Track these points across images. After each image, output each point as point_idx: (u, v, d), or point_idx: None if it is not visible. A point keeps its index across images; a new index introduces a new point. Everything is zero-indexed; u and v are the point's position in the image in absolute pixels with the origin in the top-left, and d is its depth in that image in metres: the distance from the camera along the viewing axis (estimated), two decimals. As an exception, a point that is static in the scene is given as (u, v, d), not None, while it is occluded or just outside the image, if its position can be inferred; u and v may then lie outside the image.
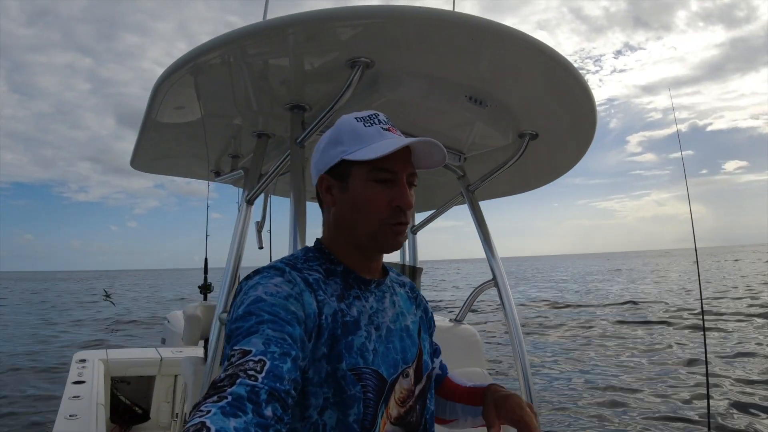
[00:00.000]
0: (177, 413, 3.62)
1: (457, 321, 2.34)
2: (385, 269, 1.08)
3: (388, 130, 0.95)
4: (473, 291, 2.31)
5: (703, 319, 2.20)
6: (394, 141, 0.91)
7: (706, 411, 2.13)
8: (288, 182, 2.48)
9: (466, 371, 1.96)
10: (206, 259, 3.59)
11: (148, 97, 1.89)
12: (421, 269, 2.85)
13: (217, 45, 1.51)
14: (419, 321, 1.09)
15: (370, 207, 0.93)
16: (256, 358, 0.70)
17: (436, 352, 1.21)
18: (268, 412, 0.64)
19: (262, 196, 2.69)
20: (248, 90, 1.83)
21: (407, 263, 2.89)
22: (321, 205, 1.04)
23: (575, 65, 1.64)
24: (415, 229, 2.94)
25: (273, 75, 1.69)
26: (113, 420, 3.59)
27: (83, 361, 3.44)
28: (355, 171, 0.94)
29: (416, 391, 0.99)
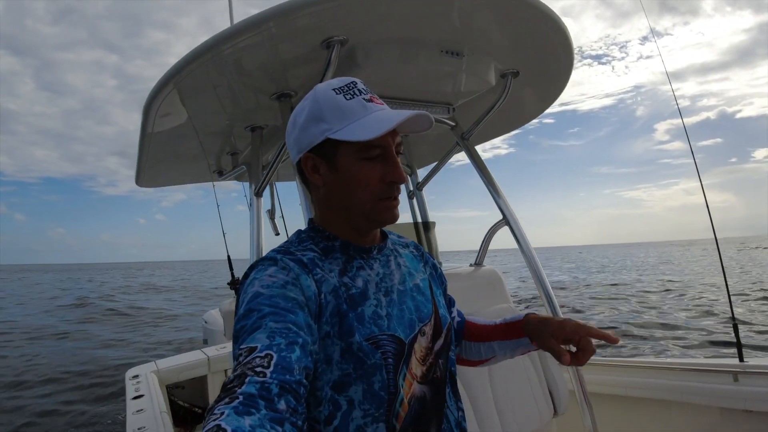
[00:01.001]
0: None
1: (477, 264, 2.43)
2: (384, 233, 1.06)
3: (370, 100, 0.90)
4: (487, 233, 2.39)
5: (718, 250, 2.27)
6: (385, 122, 0.86)
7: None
8: (289, 167, 2.55)
9: (495, 309, 2.07)
10: (228, 256, 3.68)
11: (141, 115, 1.96)
12: (433, 223, 2.93)
13: (197, 55, 1.57)
14: (429, 277, 1.08)
15: (363, 185, 0.90)
16: (263, 354, 0.70)
17: (450, 302, 1.20)
18: (282, 405, 0.64)
19: (267, 185, 2.77)
20: (234, 90, 1.89)
21: (419, 220, 2.97)
22: (307, 184, 0.99)
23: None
24: (420, 185, 3.01)
25: (254, 70, 1.74)
26: (177, 424, 3.76)
27: (136, 377, 3.58)
28: (343, 149, 0.90)
29: (435, 347, 0.98)
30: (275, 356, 0.70)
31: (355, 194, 0.91)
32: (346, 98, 0.89)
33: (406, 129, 0.94)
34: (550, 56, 1.99)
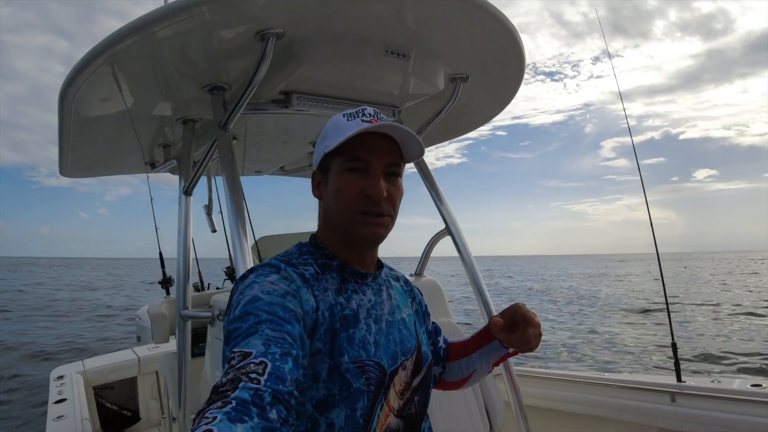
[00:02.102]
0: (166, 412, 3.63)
1: (417, 274, 2.36)
2: (380, 263, 1.07)
3: (369, 122, 0.92)
4: (429, 242, 2.32)
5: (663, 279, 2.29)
6: (354, 126, 0.90)
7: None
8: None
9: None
10: (161, 253, 3.51)
11: (58, 99, 1.77)
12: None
13: (126, 33, 1.43)
14: (414, 314, 1.10)
15: (342, 196, 0.93)
16: (257, 360, 0.69)
17: (437, 330, 1.23)
18: (273, 414, 0.63)
19: (204, 179, 2.62)
20: (165, 75, 1.74)
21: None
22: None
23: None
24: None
25: (186, 57, 1.61)
26: (105, 428, 3.58)
27: (61, 377, 3.38)
28: (333, 163, 0.94)
29: (414, 383, 0.99)
30: (270, 365, 0.69)
31: (337, 205, 0.94)
32: (347, 120, 0.94)
33: (407, 155, 0.97)
34: (502, 63, 1.94)
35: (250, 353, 0.70)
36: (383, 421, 0.91)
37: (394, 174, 0.95)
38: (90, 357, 4.03)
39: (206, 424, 0.57)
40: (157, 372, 3.74)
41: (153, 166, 2.69)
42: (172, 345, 3.38)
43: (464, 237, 2.11)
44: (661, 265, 2.33)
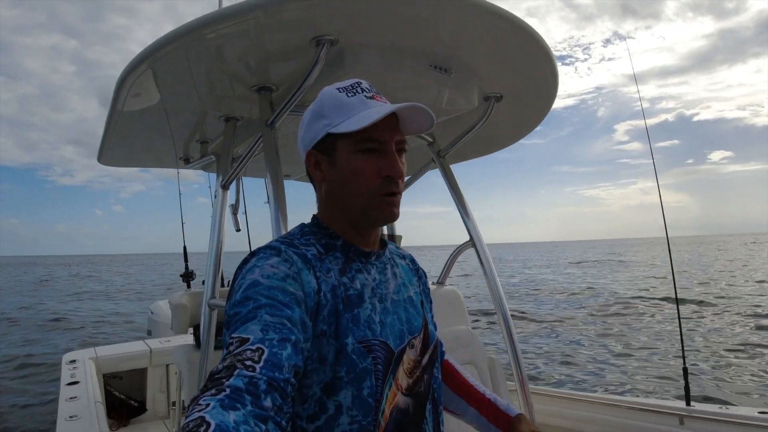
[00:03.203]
0: (174, 401, 3.66)
1: (440, 283, 2.41)
2: (384, 241, 1.06)
3: (372, 98, 0.92)
4: (452, 253, 2.38)
5: (676, 294, 2.33)
6: (378, 109, 0.88)
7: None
8: (258, 162, 2.50)
9: (453, 330, 2.05)
10: (185, 248, 3.57)
11: (113, 91, 1.86)
12: (400, 237, 2.90)
13: (178, 35, 1.50)
14: (421, 292, 1.09)
15: (359, 179, 0.90)
16: (254, 347, 0.68)
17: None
18: (267, 402, 0.63)
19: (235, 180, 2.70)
20: (213, 75, 1.82)
21: (385, 232, 2.95)
22: (312, 181, 1.01)
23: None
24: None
25: (237, 59, 1.69)
26: (111, 416, 3.62)
27: (73, 362, 3.43)
28: (341, 143, 0.91)
29: (423, 362, 0.98)
30: (266, 351, 0.69)
31: (352, 187, 0.92)
32: (348, 96, 0.91)
33: (409, 128, 0.95)
34: (535, 85, 2.01)
35: (248, 339, 0.70)
36: (392, 400, 0.90)
37: (402, 150, 0.95)
38: (102, 345, 4.09)
39: (199, 411, 0.58)
40: (167, 366, 3.79)
41: (187, 161, 2.77)
42: (185, 338, 3.44)
43: (487, 249, 2.16)
44: (673, 260, 2.36)
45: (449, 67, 1.77)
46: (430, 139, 2.34)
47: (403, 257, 1.13)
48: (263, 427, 0.61)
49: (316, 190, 1.02)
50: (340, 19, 1.46)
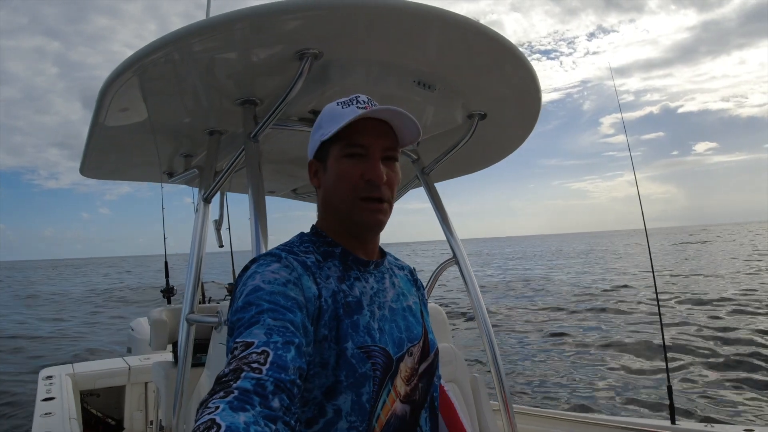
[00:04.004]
0: (152, 420, 3.58)
1: (423, 300, 2.40)
2: (383, 252, 1.08)
3: (365, 107, 0.95)
4: (435, 270, 2.37)
5: (658, 300, 2.34)
6: (350, 113, 0.92)
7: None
8: (242, 178, 2.48)
9: (435, 348, 2.02)
10: (166, 263, 3.53)
11: (95, 102, 1.85)
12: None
13: (162, 45, 1.49)
14: (420, 303, 1.11)
15: (343, 183, 0.94)
16: (259, 350, 0.70)
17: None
18: (276, 403, 0.64)
19: (217, 194, 2.68)
20: (197, 88, 1.82)
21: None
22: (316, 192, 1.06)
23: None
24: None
25: (221, 72, 1.69)
26: None
27: (50, 377, 3.36)
28: (331, 150, 0.96)
29: (420, 369, 0.99)
30: (272, 354, 0.70)
31: (338, 191, 0.96)
32: (342, 107, 0.96)
33: (402, 138, 0.99)
34: (519, 103, 2.03)
35: (252, 343, 0.71)
36: (389, 407, 0.91)
37: (391, 158, 0.97)
38: (80, 362, 4.00)
39: (209, 414, 0.58)
40: (146, 383, 3.71)
41: (171, 175, 2.75)
42: (164, 355, 3.37)
43: (470, 266, 2.16)
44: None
45: (433, 84, 1.79)
46: (415, 156, 2.35)
47: (402, 268, 1.15)
48: (273, 427, 0.61)
49: (317, 199, 1.06)
50: (324, 33, 1.47)
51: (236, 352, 0.70)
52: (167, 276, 3.55)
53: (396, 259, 1.16)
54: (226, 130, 2.15)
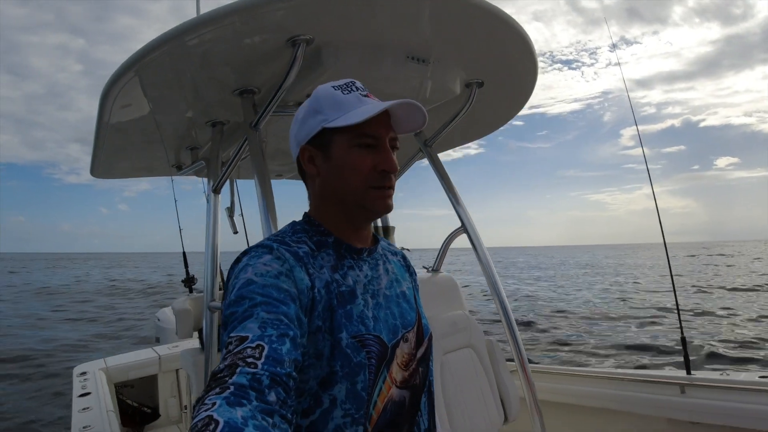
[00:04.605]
0: (185, 405, 3.71)
1: (435, 270, 2.44)
2: (376, 238, 1.08)
3: (366, 96, 0.95)
4: (445, 239, 2.41)
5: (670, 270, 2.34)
6: (375, 105, 0.91)
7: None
8: (249, 164, 2.51)
9: (450, 315, 2.08)
10: (184, 253, 3.60)
11: (98, 104, 1.89)
12: (393, 228, 2.93)
13: (159, 44, 1.53)
14: (414, 288, 1.11)
15: (355, 172, 0.92)
16: (254, 344, 0.70)
17: None
18: (272, 397, 0.65)
19: (227, 182, 2.72)
20: (196, 82, 1.85)
21: (379, 224, 2.97)
22: (304, 178, 1.03)
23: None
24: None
25: (218, 65, 1.71)
26: (125, 424, 3.66)
27: (84, 374, 3.47)
28: (337, 138, 0.93)
29: (418, 355, 0.99)
30: (266, 347, 0.70)
31: (348, 180, 0.93)
32: (343, 93, 0.94)
33: (403, 126, 0.98)
34: (515, 68, 2.02)
35: (247, 337, 0.71)
36: (385, 393, 0.91)
37: (394, 147, 0.97)
38: (111, 355, 4.13)
39: (206, 410, 0.58)
40: (177, 370, 3.83)
41: (179, 168, 2.80)
42: (192, 342, 3.48)
43: (479, 234, 2.19)
44: (672, 264, 2.38)
45: (427, 57, 1.80)
46: (416, 130, 2.37)
47: (395, 254, 1.15)
48: (270, 420, 0.62)
49: (308, 187, 1.03)
50: (312, 19, 1.49)
51: (231, 347, 0.70)
52: (186, 266, 3.62)
53: (389, 244, 1.16)
54: (228, 121, 2.18)
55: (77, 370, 3.68)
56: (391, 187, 0.96)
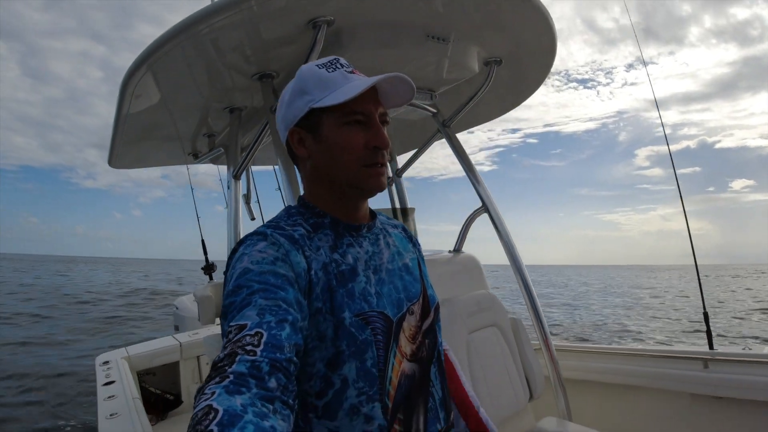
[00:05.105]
0: None
1: (456, 251, 2.44)
2: (373, 213, 1.06)
3: (351, 72, 0.92)
4: (466, 219, 2.40)
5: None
6: (362, 82, 0.89)
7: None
8: (265, 150, 2.51)
9: (473, 294, 2.08)
10: (203, 241, 3.62)
11: (118, 93, 1.89)
12: (413, 209, 2.93)
13: (175, 33, 1.52)
14: (417, 258, 1.10)
15: (347, 151, 0.91)
16: (252, 332, 0.69)
17: None
18: (272, 383, 0.64)
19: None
20: (214, 69, 1.84)
21: (397, 206, 2.97)
22: (295, 161, 1.01)
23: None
24: (400, 171, 3.00)
25: (235, 51, 1.70)
26: (148, 411, 3.71)
27: (106, 363, 3.52)
28: (326, 118, 0.91)
29: (423, 326, 0.99)
30: (265, 334, 0.69)
31: (340, 160, 0.92)
32: (328, 71, 0.91)
33: (389, 101, 0.95)
34: (534, 45, 2.00)
35: (245, 325, 0.70)
36: (398, 368, 0.91)
37: (384, 122, 0.95)
38: (133, 344, 4.19)
39: (205, 400, 0.58)
40: (198, 357, 3.88)
41: (196, 156, 2.81)
42: (212, 329, 3.52)
43: (500, 213, 2.19)
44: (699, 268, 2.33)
45: (447, 36, 1.78)
46: (434, 110, 2.35)
47: (396, 226, 1.13)
48: (270, 407, 0.62)
49: (299, 170, 1.02)
50: (334, 0, 1.47)
51: (230, 336, 0.70)
52: (206, 253, 3.65)
53: (388, 218, 1.14)
54: (245, 106, 2.18)
55: (99, 359, 3.73)
56: (384, 164, 0.94)
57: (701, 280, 2.35)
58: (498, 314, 2.08)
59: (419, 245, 1.17)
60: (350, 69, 0.93)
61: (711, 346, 2.21)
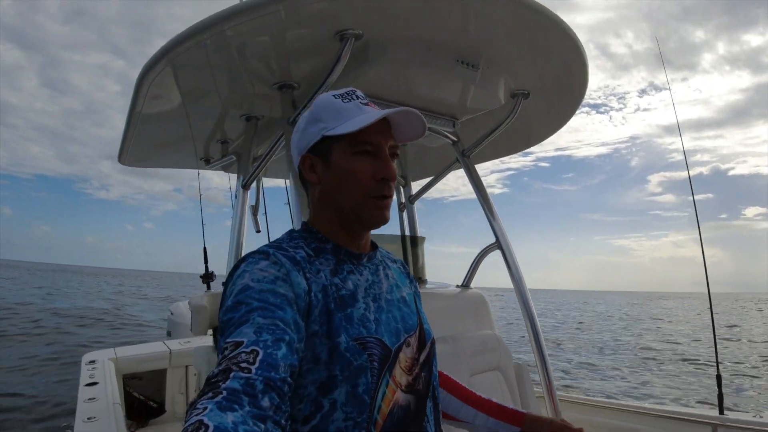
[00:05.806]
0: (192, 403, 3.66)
1: (464, 286, 2.35)
2: (374, 245, 1.08)
3: (366, 104, 0.95)
4: (477, 254, 2.32)
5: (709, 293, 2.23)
6: (375, 113, 0.91)
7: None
8: (278, 163, 2.46)
9: (478, 334, 1.99)
10: (205, 249, 3.57)
11: (133, 89, 1.84)
12: (423, 238, 2.85)
13: (196, 32, 1.47)
14: (414, 294, 1.11)
15: (354, 180, 0.93)
16: (248, 349, 0.69)
17: None
18: (265, 402, 0.64)
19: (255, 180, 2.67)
20: (233, 74, 1.80)
21: (407, 234, 2.89)
22: (305, 186, 1.03)
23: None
24: (413, 198, 2.93)
25: (258, 56, 1.65)
26: (129, 416, 3.61)
27: (93, 362, 3.43)
28: (336, 146, 0.94)
29: (420, 359, 0.99)
30: (261, 352, 0.69)
31: (347, 189, 0.94)
32: (343, 101, 0.95)
33: (401, 135, 0.98)
34: (564, 81, 1.94)
35: (242, 342, 0.70)
36: (390, 398, 0.89)
37: (394, 155, 0.97)
38: (122, 345, 4.10)
39: (197, 415, 0.58)
40: (186, 366, 3.78)
41: (207, 162, 2.76)
42: (204, 339, 3.42)
43: (514, 251, 2.10)
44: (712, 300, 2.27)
45: (476, 63, 1.72)
46: (455, 138, 2.29)
47: (394, 261, 1.15)
48: (262, 426, 0.61)
49: (308, 195, 1.04)
50: (364, 13, 1.42)
51: (226, 353, 0.70)
52: (206, 262, 3.59)
53: (387, 252, 1.16)
54: (262, 116, 2.13)
55: (86, 357, 3.64)
56: (389, 197, 0.96)
57: (716, 341, 2.25)
58: (502, 357, 1.98)
59: (416, 283, 1.18)
60: (365, 101, 0.96)
61: (721, 411, 2.11)
